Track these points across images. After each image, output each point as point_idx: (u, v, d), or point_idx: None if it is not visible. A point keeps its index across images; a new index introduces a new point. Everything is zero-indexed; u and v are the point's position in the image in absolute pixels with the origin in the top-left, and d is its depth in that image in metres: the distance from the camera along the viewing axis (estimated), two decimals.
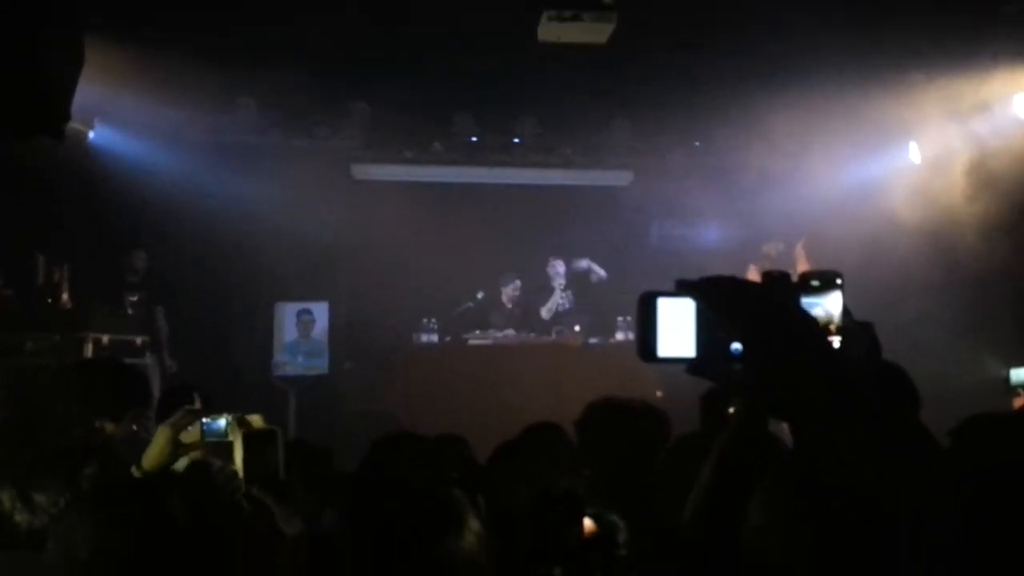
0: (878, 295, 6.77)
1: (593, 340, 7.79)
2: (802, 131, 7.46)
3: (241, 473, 1.84)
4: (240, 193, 7.77)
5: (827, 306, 1.30)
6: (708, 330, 1.05)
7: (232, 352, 8.11)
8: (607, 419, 2.65)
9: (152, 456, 2.25)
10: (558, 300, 8.14)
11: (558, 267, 8.22)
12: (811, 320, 1.06)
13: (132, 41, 5.80)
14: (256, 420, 2.41)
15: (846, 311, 1.29)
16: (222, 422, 2.30)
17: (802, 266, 6.91)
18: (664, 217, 9.38)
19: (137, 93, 6.70)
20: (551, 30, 5.22)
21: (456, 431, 3.61)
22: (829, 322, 1.29)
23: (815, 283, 1.31)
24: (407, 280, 8.06)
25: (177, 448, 2.30)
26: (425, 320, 7.59)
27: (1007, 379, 3.28)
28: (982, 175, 6.19)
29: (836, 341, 1.27)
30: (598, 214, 8.82)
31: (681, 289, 1.05)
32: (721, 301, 1.02)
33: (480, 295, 8.04)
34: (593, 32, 5.21)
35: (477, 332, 7.79)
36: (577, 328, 7.87)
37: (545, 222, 8.70)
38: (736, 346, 1.02)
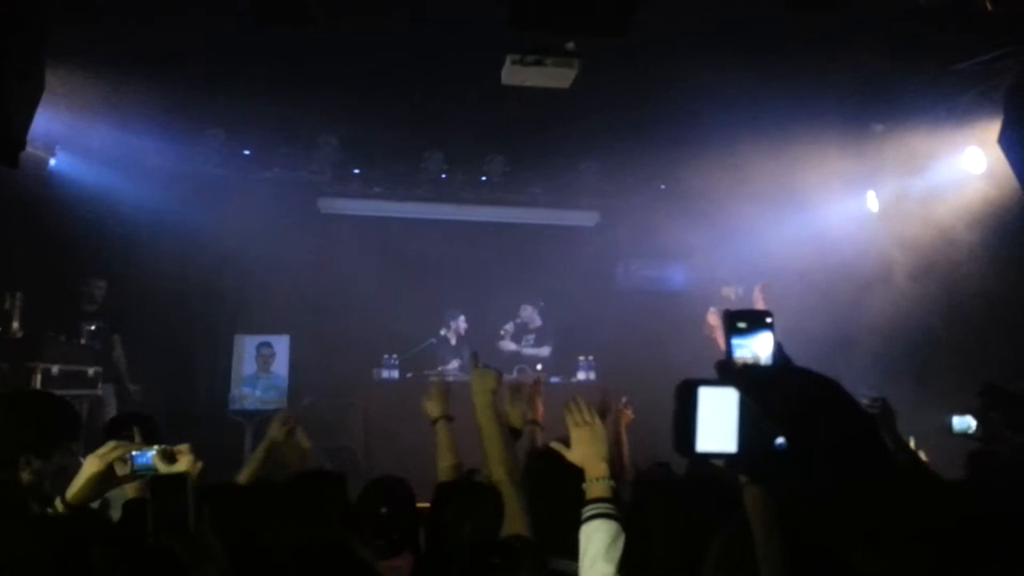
0: (831, 339, 6.87)
1: (555, 379, 7.77)
2: (766, 177, 7.60)
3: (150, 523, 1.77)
4: (204, 224, 7.71)
5: (755, 348, 1.26)
6: (751, 424, 0.99)
7: (190, 384, 7.99)
8: (550, 465, 2.62)
9: (77, 489, 2.18)
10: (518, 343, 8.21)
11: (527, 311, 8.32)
12: (871, 420, 0.96)
13: (99, 69, 5.78)
14: (183, 451, 2.35)
15: (779, 351, 1.26)
16: (150, 454, 2.24)
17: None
18: (630, 257, 9.46)
19: (103, 121, 6.67)
20: (515, 74, 5.28)
21: (415, 469, 3.57)
22: (756, 362, 1.26)
23: (741, 324, 1.27)
24: (370, 315, 8.02)
25: (105, 480, 2.23)
26: (386, 356, 7.53)
27: (949, 427, 3.32)
28: (933, 226, 6.33)
29: None
30: (564, 253, 8.87)
31: (725, 378, 1.00)
32: (770, 396, 0.95)
33: (443, 331, 8.02)
34: (556, 77, 5.27)
35: (439, 368, 7.75)
36: (539, 367, 7.86)
37: (511, 260, 8.73)
38: (781, 441, 0.95)
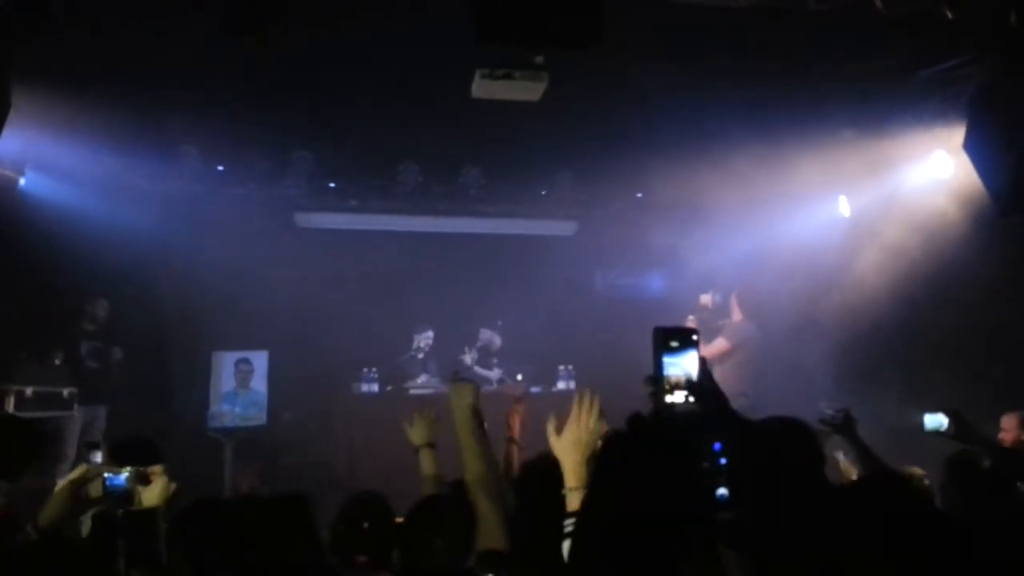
0: (807, 343, 6.94)
1: (535, 389, 7.79)
2: (741, 184, 7.66)
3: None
4: (180, 240, 7.67)
5: (684, 365, 1.32)
6: (691, 477, 1.01)
7: (169, 402, 7.92)
8: (539, 476, 2.61)
9: (50, 513, 2.17)
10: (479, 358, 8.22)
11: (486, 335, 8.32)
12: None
13: (67, 87, 5.73)
14: (156, 472, 2.33)
15: (703, 367, 1.31)
16: (123, 476, 2.24)
17: (736, 316, 7.03)
18: (608, 266, 9.50)
19: (73, 139, 6.59)
20: (484, 87, 5.30)
21: (397, 482, 3.57)
22: (687, 380, 1.32)
23: (674, 343, 1.32)
24: (349, 329, 8.00)
25: (78, 503, 2.22)
26: (365, 370, 7.51)
27: (921, 425, 3.37)
28: (904, 230, 6.42)
29: (691, 397, 1.30)
30: (543, 263, 8.88)
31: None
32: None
33: (417, 345, 8.02)
34: (526, 90, 5.30)
35: (419, 381, 7.74)
36: (520, 377, 7.87)
37: (489, 271, 8.74)
38: (723, 492, 0.97)
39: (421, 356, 8.05)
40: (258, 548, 2.39)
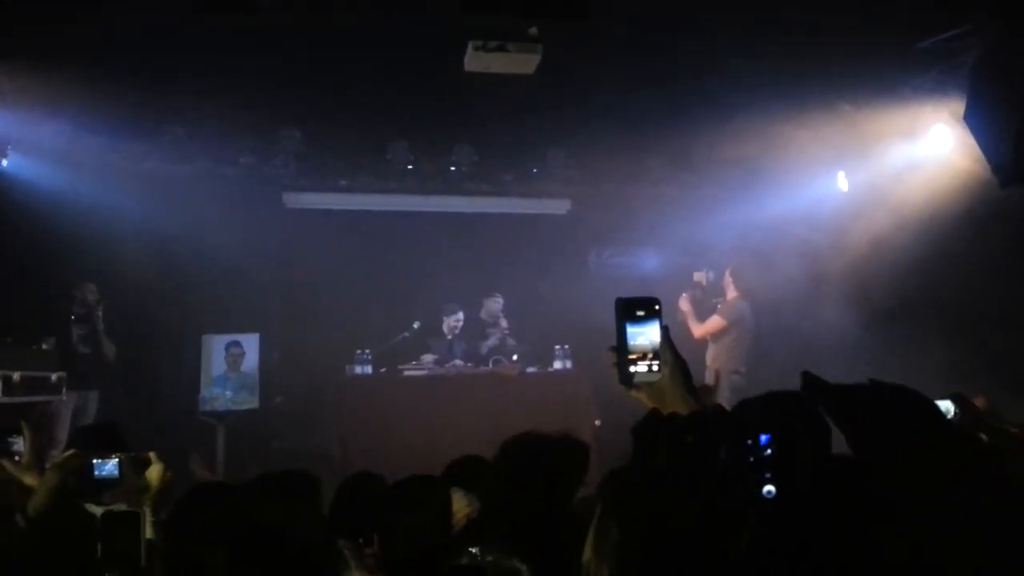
0: (800, 322, 6.88)
1: (531, 369, 7.73)
2: (735, 160, 7.58)
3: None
4: (167, 222, 7.55)
5: (650, 335, 1.31)
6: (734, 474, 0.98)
7: (159, 387, 7.84)
8: (521, 456, 2.56)
9: (38, 500, 2.12)
10: (500, 336, 8.12)
11: (497, 303, 8.20)
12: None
13: (47, 66, 5.60)
14: (151, 459, 2.27)
15: (665, 336, 1.29)
16: (112, 463, 2.18)
17: (730, 293, 6.98)
18: (602, 245, 9.42)
19: (54, 119, 6.46)
20: (478, 60, 5.20)
21: (390, 465, 3.51)
22: (653, 349, 1.30)
23: (640, 312, 1.31)
24: (341, 310, 7.90)
25: (65, 492, 2.16)
26: (359, 351, 7.42)
27: None
28: (903, 203, 6.35)
29: (656, 366, 1.27)
30: (536, 242, 8.80)
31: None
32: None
33: (416, 324, 7.92)
34: (519, 63, 5.20)
35: (413, 363, 7.66)
36: (515, 357, 7.81)
37: (482, 250, 8.65)
38: (770, 488, 0.94)
39: (450, 337, 7.94)
40: (265, 528, 2.33)
